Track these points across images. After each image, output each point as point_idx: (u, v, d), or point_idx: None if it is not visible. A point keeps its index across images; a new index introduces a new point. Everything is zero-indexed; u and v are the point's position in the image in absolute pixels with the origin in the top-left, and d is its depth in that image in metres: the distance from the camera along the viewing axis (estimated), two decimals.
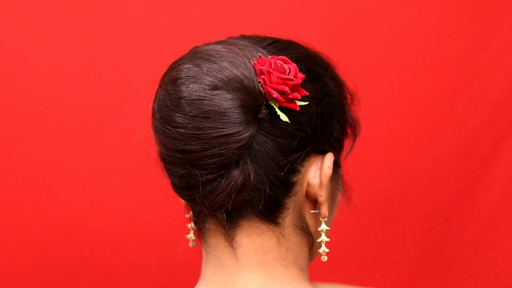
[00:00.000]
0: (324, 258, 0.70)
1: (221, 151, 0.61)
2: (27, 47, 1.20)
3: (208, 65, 0.62)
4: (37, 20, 1.20)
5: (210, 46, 0.65)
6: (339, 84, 0.73)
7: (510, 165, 1.28)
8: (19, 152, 1.21)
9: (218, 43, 0.68)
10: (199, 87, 0.61)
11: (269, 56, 0.65)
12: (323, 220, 0.69)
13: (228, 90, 0.62)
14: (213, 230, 0.68)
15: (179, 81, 0.62)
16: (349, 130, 0.75)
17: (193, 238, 0.74)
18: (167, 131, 0.62)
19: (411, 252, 1.29)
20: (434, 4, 1.27)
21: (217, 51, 0.64)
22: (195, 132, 0.61)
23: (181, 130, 0.61)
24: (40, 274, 1.22)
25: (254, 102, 0.63)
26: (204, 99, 0.61)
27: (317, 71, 0.70)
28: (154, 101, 0.65)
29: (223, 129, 0.61)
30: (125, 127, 1.22)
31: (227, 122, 0.61)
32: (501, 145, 1.28)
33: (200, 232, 0.69)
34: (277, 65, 0.64)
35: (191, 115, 0.61)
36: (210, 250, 0.69)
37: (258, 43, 0.69)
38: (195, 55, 0.64)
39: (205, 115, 0.61)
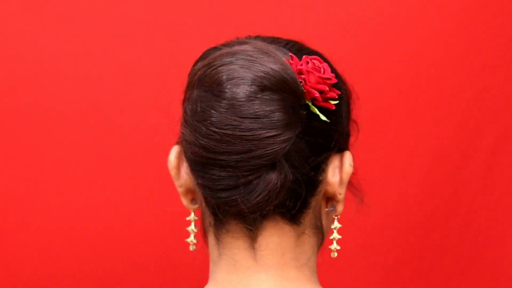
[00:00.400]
0: (334, 255, 0.71)
1: (267, 152, 0.61)
2: (27, 47, 1.20)
3: (252, 66, 0.62)
4: (37, 20, 1.20)
5: (236, 47, 0.65)
6: (343, 81, 0.74)
7: (510, 165, 1.28)
8: (19, 152, 1.21)
9: (240, 43, 0.68)
10: (249, 88, 0.61)
11: (304, 56, 0.65)
12: (336, 217, 0.71)
13: (276, 90, 0.62)
14: (233, 231, 0.68)
15: (227, 83, 0.62)
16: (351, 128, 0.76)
17: (194, 241, 0.73)
18: (211, 133, 0.61)
19: (411, 253, 1.29)
20: (435, 4, 1.27)
21: (250, 51, 0.64)
22: (243, 134, 0.61)
23: (229, 131, 0.61)
24: (40, 274, 1.22)
25: (297, 103, 0.63)
26: (254, 100, 0.61)
27: (334, 70, 0.71)
28: (188, 104, 0.64)
29: (272, 130, 0.61)
30: (126, 128, 1.23)
31: (275, 123, 0.61)
32: (502, 145, 1.28)
33: (215, 234, 0.69)
34: (315, 65, 0.64)
35: (241, 116, 0.61)
36: (224, 251, 0.68)
37: (275, 43, 0.70)
38: (233, 55, 0.63)
39: (255, 116, 0.61)
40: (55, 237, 1.22)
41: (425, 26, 1.27)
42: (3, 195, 1.21)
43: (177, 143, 0.72)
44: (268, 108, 0.61)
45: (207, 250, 0.74)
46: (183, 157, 0.70)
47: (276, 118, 0.61)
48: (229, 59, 0.63)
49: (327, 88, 0.64)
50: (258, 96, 0.61)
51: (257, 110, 0.61)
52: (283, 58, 0.64)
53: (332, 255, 0.72)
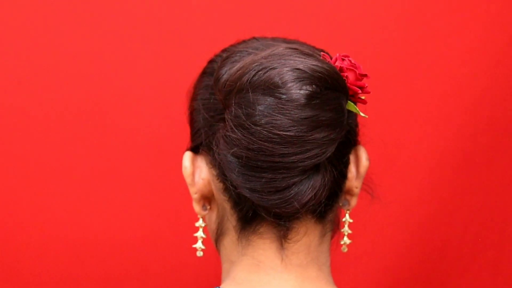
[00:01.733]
0: (345, 249, 0.73)
1: (322, 152, 0.62)
2: (27, 47, 1.20)
3: (306, 66, 0.62)
4: (37, 20, 1.20)
5: (271, 50, 0.65)
6: None
7: (511, 165, 1.28)
8: (19, 152, 1.20)
9: (266, 46, 0.68)
10: (310, 88, 0.61)
11: (336, 54, 0.65)
12: (348, 212, 0.72)
13: (332, 89, 0.62)
14: (262, 232, 0.68)
15: (289, 84, 0.61)
16: None
17: (202, 247, 0.74)
18: (271, 135, 0.61)
19: (411, 253, 1.29)
20: (435, 4, 1.27)
21: (295, 51, 0.64)
22: (303, 134, 0.61)
23: (291, 133, 0.61)
24: (41, 275, 1.22)
25: (345, 101, 0.64)
26: (315, 100, 0.61)
27: None
28: (239, 108, 0.63)
29: (327, 129, 0.62)
30: (127, 129, 1.23)
31: (330, 122, 0.62)
32: (502, 145, 1.28)
33: (239, 236, 0.69)
34: (351, 62, 0.65)
35: (304, 117, 0.61)
36: (247, 252, 0.69)
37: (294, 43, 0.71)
38: (281, 57, 0.63)
39: (316, 116, 0.61)
40: (55, 237, 1.21)
41: (425, 26, 1.27)
42: (3, 195, 1.21)
43: (190, 149, 0.73)
44: (327, 108, 0.61)
45: (218, 252, 0.74)
46: (204, 164, 0.71)
47: (332, 117, 0.62)
48: (280, 61, 0.63)
49: (366, 85, 0.64)
50: (318, 96, 0.61)
51: (317, 110, 0.61)
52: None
53: (342, 249, 0.73)
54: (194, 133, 0.73)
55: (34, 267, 1.21)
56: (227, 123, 0.64)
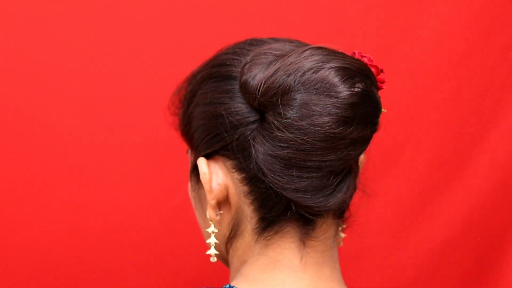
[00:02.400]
0: (340, 244, 0.74)
1: (362, 148, 0.64)
2: (27, 47, 1.20)
3: (348, 63, 0.63)
4: (37, 20, 1.20)
5: (309, 50, 0.65)
6: None
7: (511, 165, 1.28)
8: (19, 152, 1.20)
9: (298, 45, 0.69)
10: (362, 86, 0.63)
11: (354, 51, 0.66)
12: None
13: (375, 86, 0.64)
14: (284, 231, 0.69)
15: (342, 83, 0.62)
16: None
17: (216, 252, 0.73)
18: (330, 134, 0.62)
19: (411, 253, 1.29)
20: (435, 4, 1.27)
21: (330, 50, 0.65)
22: (353, 133, 0.62)
23: (346, 132, 0.62)
24: (40, 275, 1.22)
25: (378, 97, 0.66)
26: (366, 98, 0.63)
27: None
28: (290, 108, 0.63)
29: (367, 127, 0.63)
30: (126, 128, 1.23)
31: (373, 120, 0.64)
32: (502, 145, 1.28)
33: (258, 236, 0.70)
34: (370, 59, 0.66)
35: (356, 115, 0.62)
36: (265, 252, 0.69)
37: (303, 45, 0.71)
38: (324, 56, 0.64)
39: (366, 115, 0.63)
40: (55, 238, 1.21)
41: (425, 26, 1.27)
42: (3, 195, 1.21)
43: (203, 155, 0.72)
44: (374, 105, 0.63)
45: (224, 253, 0.74)
46: (218, 169, 0.70)
47: (375, 114, 0.64)
48: (323, 60, 0.63)
49: (386, 80, 0.66)
50: (366, 93, 0.63)
51: (368, 108, 0.63)
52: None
53: (337, 243, 0.73)
54: (210, 139, 0.71)
55: (34, 267, 1.21)
56: (270, 125, 0.64)
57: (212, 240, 0.72)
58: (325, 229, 0.69)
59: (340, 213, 0.70)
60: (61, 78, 1.20)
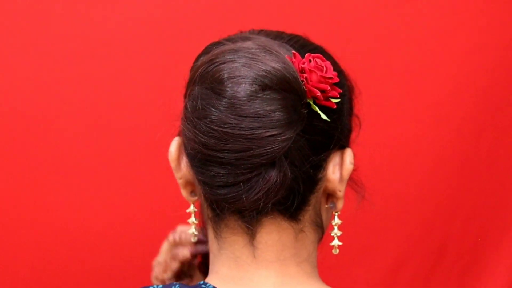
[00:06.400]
0: (336, 251, 0.71)
1: (266, 151, 0.61)
2: (27, 47, 1.20)
3: (254, 64, 0.62)
4: (37, 20, 1.20)
5: (239, 44, 0.64)
6: (346, 77, 0.73)
7: (511, 165, 1.28)
8: (19, 153, 1.20)
9: (243, 39, 0.67)
10: (250, 87, 0.61)
11: (306, 54, 0.64)
12: (336, 214, 0.71)
13: (277, 90, 0.61)
14: (232, 227, 0.68)
15: (228, 81, 0.61)
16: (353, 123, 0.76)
17: (196, 232, 0.73)
18: (210, 130, 0.61)
19: (411, 253, 1.29)
20: (435, 4, 1.27)
21: (252, 48, 0.63)
22: (243, 132, 0.60)
23: (228, 130, 0.60)
24: (41, 275, 1.22)
25: (299, 102, 0.63)
26: (255, 99, 0.61)
27: (337, 66, 0.71)
28: (189, 100, 0.63)
29: (272, 129, 0.61)
30: (126, 127, 1.23)
31: (276, 122, 0.61)
32: (502, 145, 1.28)
33: (214, 228, 0.69)
34: (317, 63, 0.64)
35: (241, 115, 0.60)
36: (225, 246, 0.69)
37: (278, 38, 0.69)
38: (235, 53, 0.63)
39: (256, 115, 0.60)
40: (55, 238, 1.22)
41: (426, 26, 1.27)
42: (3, 195, 1.21)
43: (178, 135, 0.71)
44: (268, 108, 0.61)
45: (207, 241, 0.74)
46: (183, 150, 0.70)
47: (276, 118, 0.61)
48: (231, 57, 0.62)
49: (329, 88, 0.63)
50: (259, 95, 0.61)
51: (258, 109, 0.61)
52: (286, 56, 0.63)
53: (333, 251, 0.72)
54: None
55: (34, 267, 1.21)
56: (183, 113, 0.64)
57: (191, 220, 0.73)
58: (276, 229, 0.67)
59: (291, 216, 0.67)
60: (61, 78, 1.21)
